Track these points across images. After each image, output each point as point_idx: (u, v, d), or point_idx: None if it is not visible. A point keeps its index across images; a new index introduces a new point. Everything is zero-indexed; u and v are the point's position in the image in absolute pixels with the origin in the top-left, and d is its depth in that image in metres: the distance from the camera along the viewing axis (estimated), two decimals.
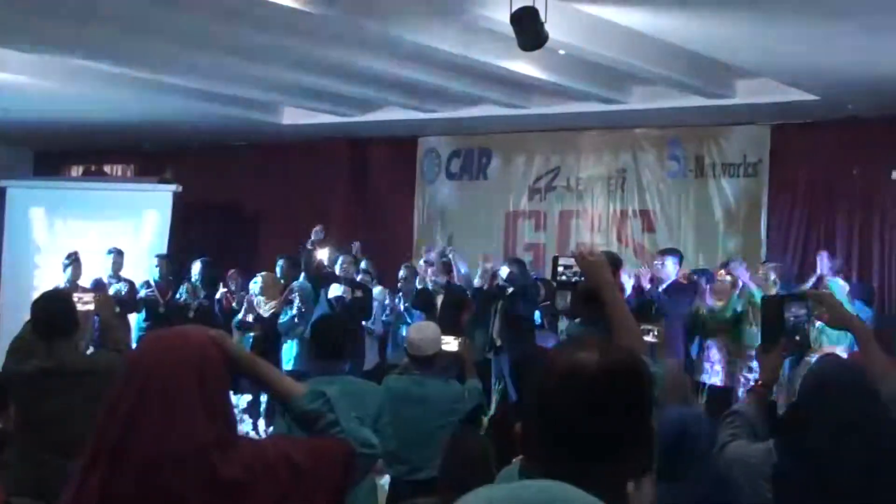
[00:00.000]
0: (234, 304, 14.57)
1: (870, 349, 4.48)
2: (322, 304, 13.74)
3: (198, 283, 14.86)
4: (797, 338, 4.59)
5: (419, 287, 14.12)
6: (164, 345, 3.03)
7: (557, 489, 1.86)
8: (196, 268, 15.01)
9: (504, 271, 13.60)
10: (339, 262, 14.02)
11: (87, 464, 2.90)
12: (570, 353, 2.21)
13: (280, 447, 3.05)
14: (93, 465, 2.87)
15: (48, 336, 6.07)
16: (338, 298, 13.64)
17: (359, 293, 13.76)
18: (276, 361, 13.79)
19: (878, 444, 3.89)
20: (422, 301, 13.81)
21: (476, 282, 13.86)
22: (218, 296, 14.79)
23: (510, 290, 13.31)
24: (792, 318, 4.56)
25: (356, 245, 15.43)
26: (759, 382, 4.56)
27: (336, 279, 13.90)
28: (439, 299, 13.72)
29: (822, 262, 12.35)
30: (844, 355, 9.19)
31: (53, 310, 6.21)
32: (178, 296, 14.73)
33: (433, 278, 13.93)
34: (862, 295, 12.72)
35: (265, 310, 14.02)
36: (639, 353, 2.39)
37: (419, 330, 7.85)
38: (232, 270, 15.26)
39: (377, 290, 14.68)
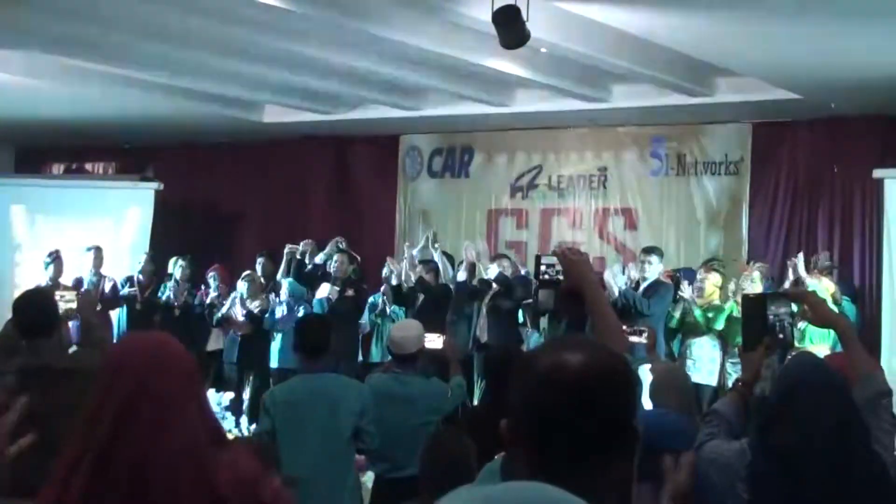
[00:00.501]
0: (207, 300, 14.56)
1: (854, 348, 4.48)
2: (312, 304, 13.76)
3: (181, 281, 14.82)
4: (781, 336, 4.59)
5: (394, 284, 14.11)
6: (150, 346, 3.03)
7: (539, 492, 1.86)
8: (179, 265, 14.93)
9: (493, 271, 13.62)
10: (334, 259, 14.01)
11: (69, 465, 2.90)
12: (554, 353, 2.20)
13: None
14: (76, 468, 2.87)
15: (30, 335, 6.01)
16: (325, 300, 13.64)
17: (350, 292, 13.73)
18: (265, 359, 13.84)
19: (848, 443, 3.89)
20: (401, 298, 13.82)
21: (460, 275, 13.86)
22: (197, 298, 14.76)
23: (495, 285, 13.35)
24: (773, 317, 4.56)
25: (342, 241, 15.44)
26: (740, 381, 4.56)
27: (327, 278, 13.92)
28: (421, 296, 13.73)
29: (798, 267, 12.31)
30: (826, 353, 9.24)
31: (35, 308, 6.12)
32: (160, 293, 14.70)
33: (418, 275, 13.90)
34: (848, 292, 12.76)
35: (253, 307, 14.04)
36: (622, 354, 2.39)
37: (401, 328, 7.87)
38: (215, 266, 15.22)
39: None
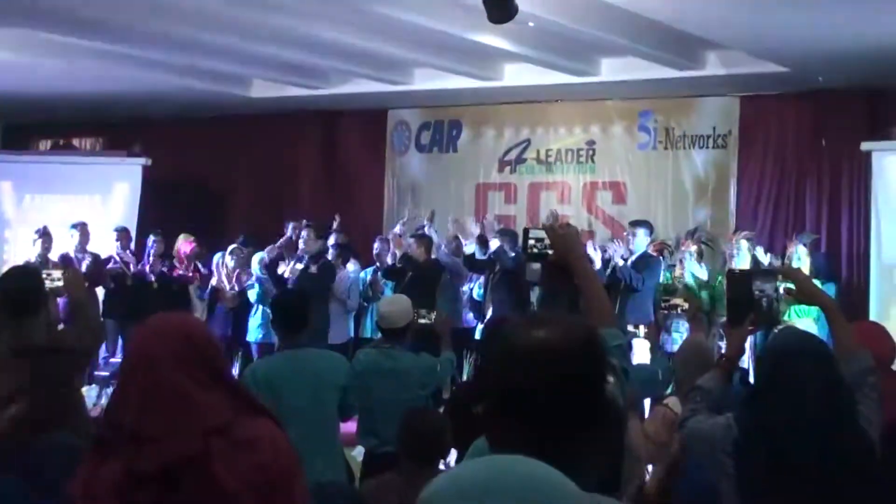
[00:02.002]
0: (180, 272, 14.57)
1: (839, 326, 4.49)
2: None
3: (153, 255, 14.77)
4: (766, 311, 4.60)
5: (389, 263, 14.11)
6: (160, 328, 3.06)
7: (528, 467, 1.86)
8: (153, 240, 14.88)
9: (494, 243, 13.64)
10: (302, 236, 13.92)
11: (103, 446, 2.93)
12: (528, 330, 2.22)
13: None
14: (110, 447, 2.90)
15: (16, 313, 5.94)
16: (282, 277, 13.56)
17: (314, 269, 13.65)
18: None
19: (834, 415, 3.90)
20: (391, 274, 13.82)
21: (468, 249, 13.94)
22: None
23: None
24: (758, 293, 4.57)
25: (336, 220, 15.44)
26: (725, 357, 4.57)
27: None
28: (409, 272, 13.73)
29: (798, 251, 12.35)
30: (812, 328, 9.27)
31: (21, 286, 6.04)
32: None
33: (408, 251, 13.90)
34: (824, 274, 12.79)
35: (242, 282, 14.06)
36: (594, 328, 2.40)
37: (390, 302, 7.87)
38: (191, 240, 15.20)
39: (352, 264, 14.67)
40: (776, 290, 4.68)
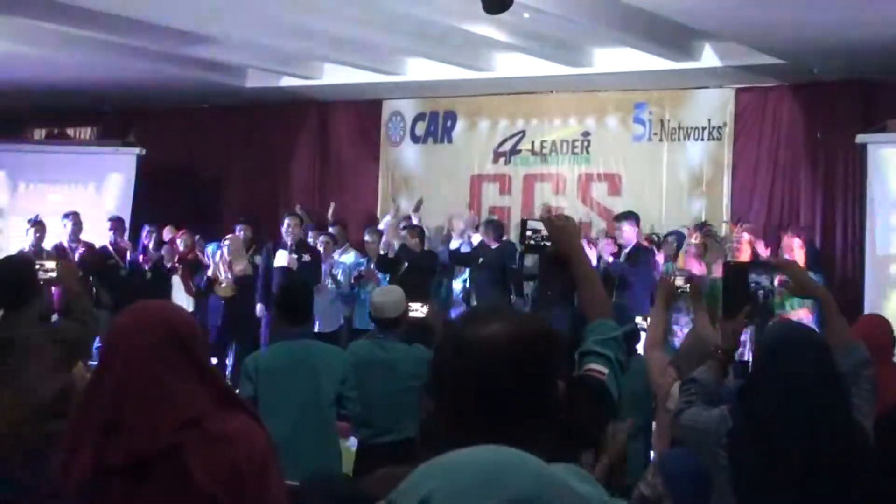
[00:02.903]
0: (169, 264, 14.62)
1: (834, 318, 4.50)
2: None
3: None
4: (762, 303, 4.61)
5: (381, 252, 14.10)
6: (142, 315, 3.03)
7: (495, 453, 1.84)
8: (147, 231, 14.94)
9: (476, 238, 13.64)
10: (285, 224, 13.92)
11: (76, 435, 2.91)
12: (480, 324, 2.21)
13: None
14: (84, 438, 2.87)
15: (5, 305, 5.85)
16: (283, 268, 13.56)
17: (307, 257, 13.67)
18: (249, 322, 13.85)
19: (828, 406, 3.90)
20: (385, 264, 13.81)
21: (453, 244, 13.94)
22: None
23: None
24: (754, 285, 4.58)
25: (332, 206, 15.48)
26: (720, 349, 4.58)
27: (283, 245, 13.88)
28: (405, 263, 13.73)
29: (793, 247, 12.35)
30: (807, 320, 9.27)
31: (10, 279, 5.88)
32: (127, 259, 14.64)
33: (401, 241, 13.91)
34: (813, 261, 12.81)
35: (236, 272, 14.04)
36: (544, 320, 2.40)
37: (383, 293, 7.87)
38: (182, 231, 15.22)
39: (350, 254, 14.70)
40: (772, 282, 4.70)
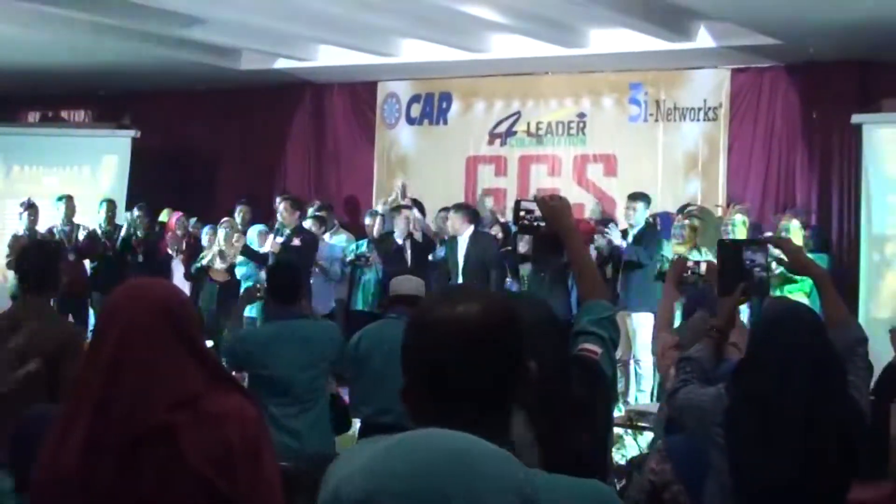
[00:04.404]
0: (168, 250, 14.61)
1: (829, 296, 4.49)
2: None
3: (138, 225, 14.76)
4: (757, 281, 4.59)
5: (375, 236, 14.13)
6: (135, 293, 3.01)
7: (442, 437, 1.82)
8: (136, 214, 14.89)
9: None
10: (279, 209, 13.96)
11: (69, 414, 2.89)
12: (448, 305, 2.21)
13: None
14: (76, 416, 2.86)
15: (30, 287, 5.85)
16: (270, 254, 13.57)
17: (297, 241, 13.66)
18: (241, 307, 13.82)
19: (824, 385, 3.90)
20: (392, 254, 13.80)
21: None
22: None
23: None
24: (749, 263, 4.56)
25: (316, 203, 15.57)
26: (715, 328, 4.57)
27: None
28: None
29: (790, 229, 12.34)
30: (804, 301, 9.26)
31: (42, 261, 5.91)
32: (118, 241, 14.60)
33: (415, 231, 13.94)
34: (819, 247, 12.81)
35: (230, 255, 14.03)
36: (508, 300, 2.39)
37: (406, 278, 7.93)
38: (178, 214, 15.23)
39: (341, 236, 14.69)
40: (767, 260, 4.68)
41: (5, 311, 6.05)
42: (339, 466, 1.67)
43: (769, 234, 12.31)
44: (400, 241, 13.78)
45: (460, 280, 13.02)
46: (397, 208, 14.34)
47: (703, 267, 6.39)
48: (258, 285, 8.85)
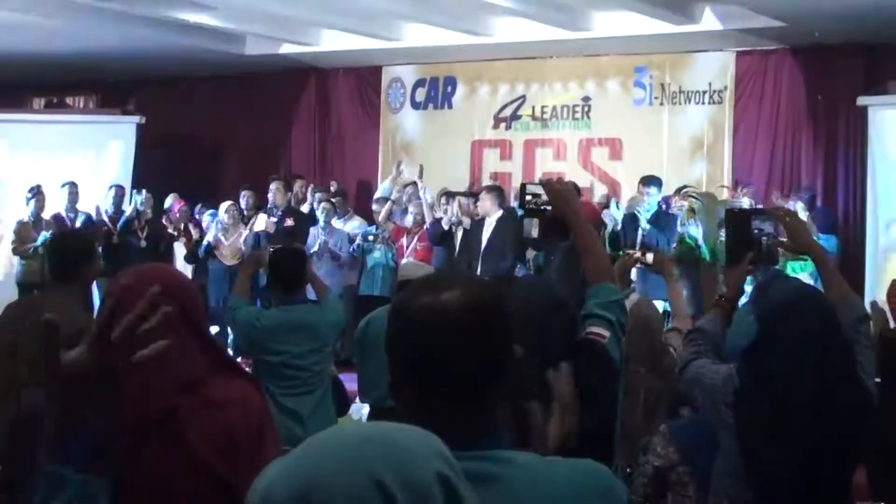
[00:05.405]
0: (171, 231, 14.67)
1: (829, 275, 4.46)
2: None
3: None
4: (765, 250, 4.55)
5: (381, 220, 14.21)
6: (138, 278, 3.01)
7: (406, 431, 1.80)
8: (138, 199, 14.90)
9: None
10: (271, 188, 14.02)
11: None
12: (432, 292, 2.19)
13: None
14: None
15: (58, 277, 5.81)
16: (264, 232, 13.59)
17: (290, 221, 13.69)
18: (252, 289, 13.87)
19: (834, 369, 3.89)
20: (438, 237, 13.81)
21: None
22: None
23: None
24: (757, 231, 4.53)
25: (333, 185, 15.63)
26: (724, 297, 4.55)
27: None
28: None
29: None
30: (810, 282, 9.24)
31: (68, 252, 5.83)
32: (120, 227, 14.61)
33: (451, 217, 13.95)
34: (826, 228, 12.81)
35: (238, 239, 14.08)
36: (493, 285, 2.39)
37: (414, 264, 8.01)
38: (182, 203, 15.28)
39: (354, 222, 14.76)
40: (776, 230, 4.62)
41: (23, 300, 6.00)
42: (264, 474, 1.67)
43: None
44: (446, 227, 13.84)
45: (480, 263, 13.01)
46: (410, 185, 14.42)
47: (650, 257, 6.41)
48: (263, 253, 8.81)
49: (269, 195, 14.15)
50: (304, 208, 15.13)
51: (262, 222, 13.78)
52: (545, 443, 2.87)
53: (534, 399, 2.86)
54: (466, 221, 13.75)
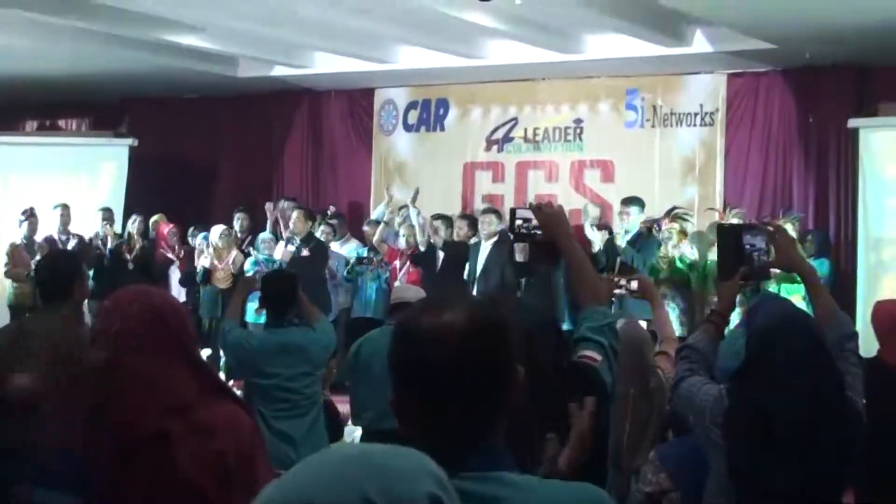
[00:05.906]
0: (168, 255, 14.66)
1: (818, 292, 4.47)
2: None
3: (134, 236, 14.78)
4: (756, 265, 4.55)
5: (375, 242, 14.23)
6: (129, 301, 3.01)
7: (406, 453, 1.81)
8: (133, 221, 14.91)
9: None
10: (293, 220, 14.02)
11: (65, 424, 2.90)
12: (433, 313, 2.20)
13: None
14: (71, 427, 2.87)
15: (45, 296, 5.76)
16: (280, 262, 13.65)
17: (306, 252, 13.70)
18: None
19: (823, 392, 3.89)
20: (419, 259, 13.84)
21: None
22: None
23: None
24: (748, 247, 4.53)
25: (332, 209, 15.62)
26: (716, 312, 4.55)
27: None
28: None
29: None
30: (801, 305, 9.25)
31: (56, 272, 5.69)
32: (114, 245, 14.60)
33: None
34: (820, 252, 12.82)
35: (229, 262, 14.04)
36: (495, 305, 2.39)
37: (405, 287, 8.03)
38: (171, 225, 15.29)
39: (351, 245, 14.76)
40: (767, 246, 4.61)
41: (11, 324, 5.96)
42: (258, 497, 1.68)
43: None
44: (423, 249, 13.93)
45: (476, 286, 13.01)
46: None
47: (634, 284, 6.41)
48: (257, 276, 8.84)
49: (290, 223, 14.10)
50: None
51: (279, 251, 13.80)
52: (555, 468, 2.88)
53: (555, 429, 2.87)
54: (439, 241, 13.81)
